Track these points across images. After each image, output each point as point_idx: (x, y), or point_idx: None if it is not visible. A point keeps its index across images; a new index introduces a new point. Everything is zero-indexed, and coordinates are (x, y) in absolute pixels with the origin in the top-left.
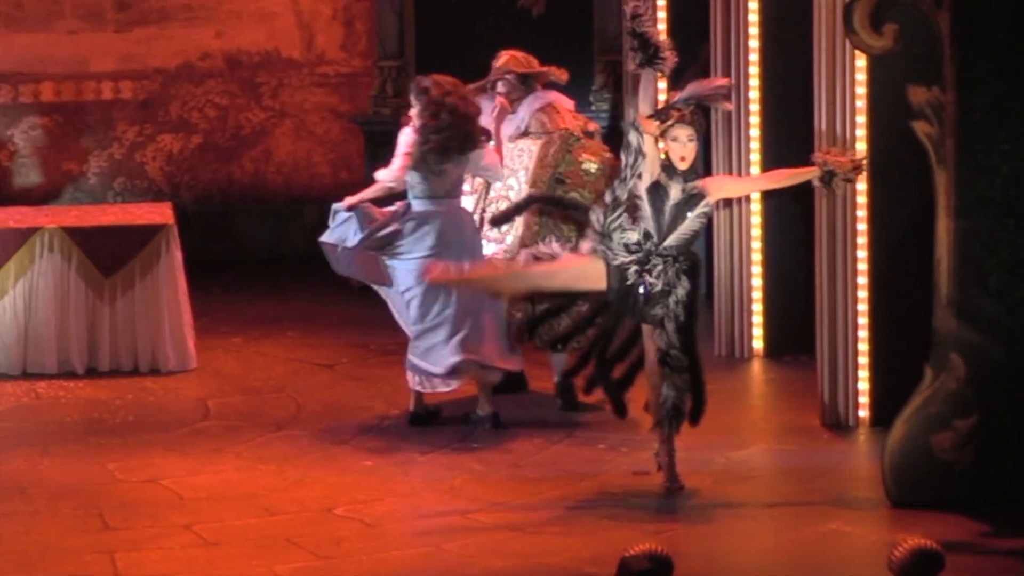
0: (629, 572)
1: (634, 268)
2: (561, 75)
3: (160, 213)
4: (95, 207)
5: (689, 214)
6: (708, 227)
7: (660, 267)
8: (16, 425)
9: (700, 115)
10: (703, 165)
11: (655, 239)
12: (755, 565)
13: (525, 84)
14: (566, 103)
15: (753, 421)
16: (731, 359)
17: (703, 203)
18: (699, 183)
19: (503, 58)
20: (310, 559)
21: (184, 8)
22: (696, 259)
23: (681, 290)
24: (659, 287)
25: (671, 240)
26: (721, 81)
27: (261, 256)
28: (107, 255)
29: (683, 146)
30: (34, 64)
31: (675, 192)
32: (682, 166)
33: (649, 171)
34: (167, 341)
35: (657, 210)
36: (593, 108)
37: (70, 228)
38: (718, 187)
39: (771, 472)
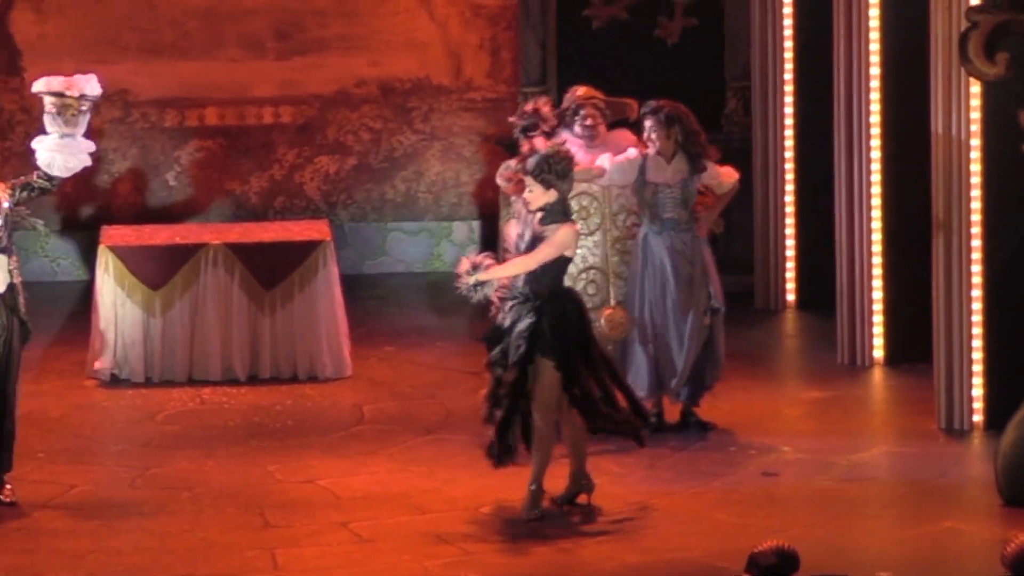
0: (757, 567)
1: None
2: (631, 112)
3: (317, 230)
4: (256, 224)
5: None
6: (828, 239)
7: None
8: (182, 429)
9: (547, 168)
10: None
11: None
12: (876, 561)
13: (603, 114)
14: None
15: (874, 426)
16: (852, 367)
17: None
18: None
19: (580, 89)
20: (458, 554)
21: (340, 38)
22: (546, 295)
23: (522, 324)
24: (506, 324)
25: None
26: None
27: (412, 270)
28: (268, 269)
29: (528, 192)
30: (199, 90)
31: (527, 234)
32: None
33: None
34: (324, 350)
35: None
36: (724, 131)
37: (233, 244)
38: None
39: (890, 473)
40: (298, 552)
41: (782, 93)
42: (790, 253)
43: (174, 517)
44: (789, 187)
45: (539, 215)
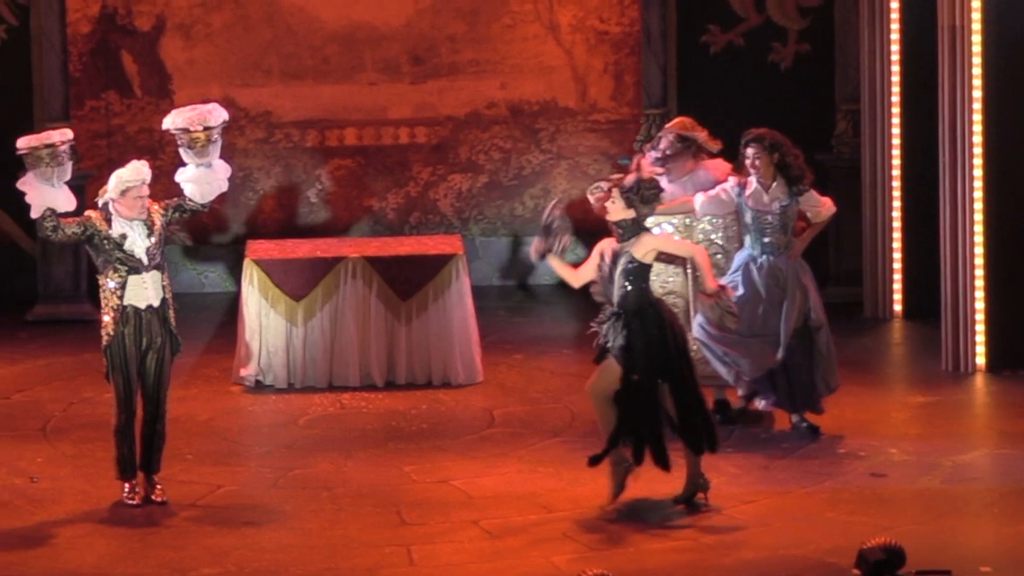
0: (866, 562)
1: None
2: (714, 144)
3: (451, 244)
4: (393, 239)
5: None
6: (933, 251)
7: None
8: (323, 432)
9: (637, 190)
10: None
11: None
12: (979, 556)
13: (683, 144)
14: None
15: (976, 429)
16: (956, 373)
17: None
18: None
19: (674, 121)
20: (583, 551)
21: (472, 63)
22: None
23: (619, 341)
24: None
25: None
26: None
27: (541, 283)
28: (404, 281)
29: (611, 203)
30: (339, 112)
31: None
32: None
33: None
34: (457, 357)
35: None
36: (835, 151)
37: (371, 257)
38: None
39: (992, 474)
40: (432, 548)
41: (889, 114)
42: (897, 265)
43: (315, 515)
44: (896, 203)
45: (618, 232)
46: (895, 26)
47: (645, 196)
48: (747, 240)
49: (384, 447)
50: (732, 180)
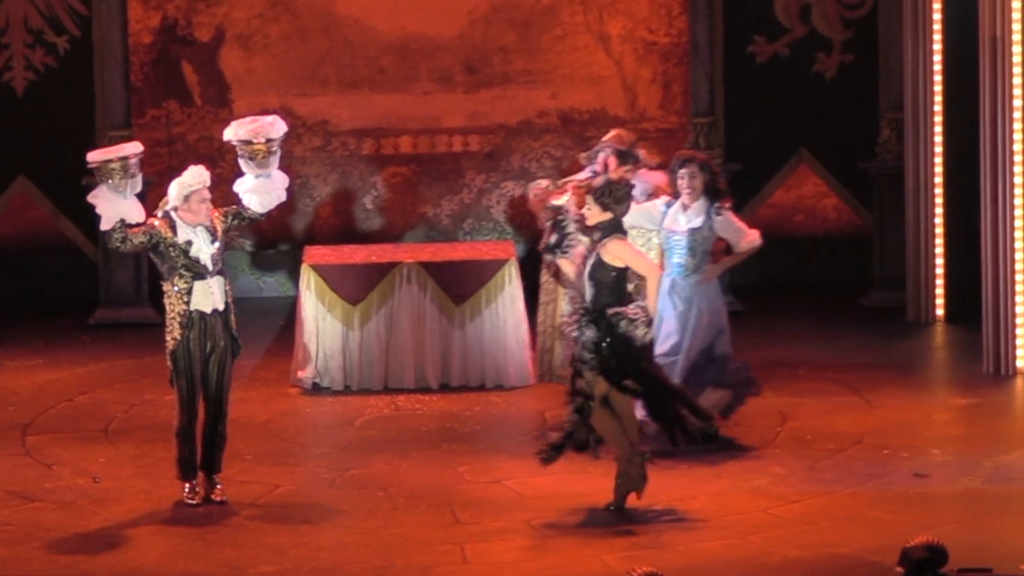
0: (909, 561)
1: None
2: (652, 159)
3: (503, 250)
4: (447, 244)
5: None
6: (975, 256)
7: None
8: (379, 433)
9: (608, 192)
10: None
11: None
12: (1019, 555)
13: (621, 158)
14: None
15: (1017, 430)
16: (997, 376)
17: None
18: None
19: (611, 132)
20: (633, 549)
21: (524, 73)
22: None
23: (585, 337)
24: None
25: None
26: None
27: None
28: (458, 286)
29: (587, 210)
30: (394, 121)
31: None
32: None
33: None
34: (509, 360)
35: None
36: (878, 158)
37: (425, 263)
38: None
39: None
40: (485, 547)
41: (932, 122)
42: (939, 270)
43: (371, 515)
44: (938, 209)
45: (597, 234)
46: (937, 36)
47: (618, 196)
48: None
49: (438, 448)
50: (664, 197)
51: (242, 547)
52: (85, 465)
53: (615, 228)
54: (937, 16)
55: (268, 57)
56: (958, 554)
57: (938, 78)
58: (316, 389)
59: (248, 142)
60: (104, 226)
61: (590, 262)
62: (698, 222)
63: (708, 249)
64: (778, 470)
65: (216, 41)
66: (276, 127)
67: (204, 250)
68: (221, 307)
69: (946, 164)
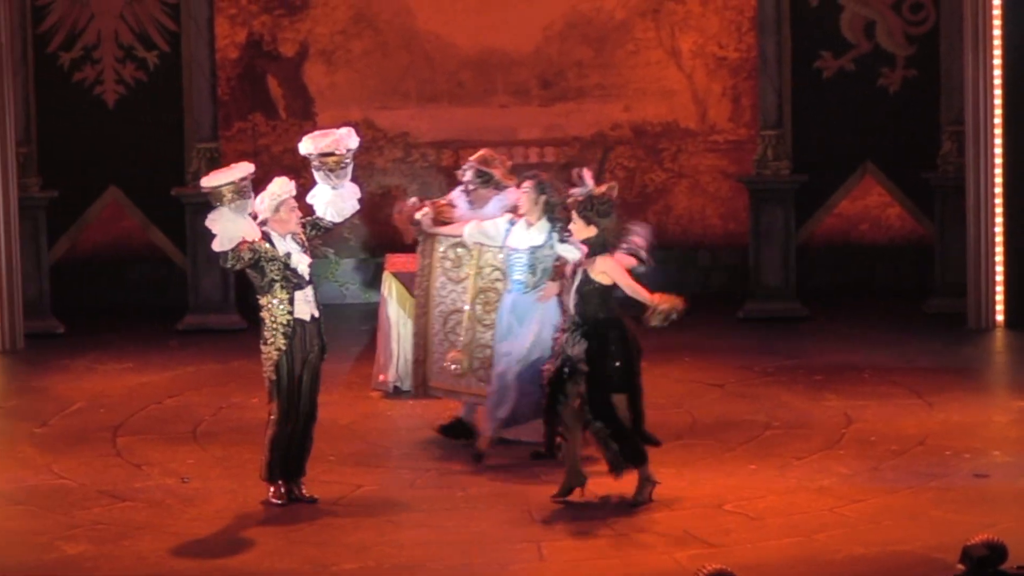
0: (970, 558)
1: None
2: (509, 180)
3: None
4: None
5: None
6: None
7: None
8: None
9: (590, 207)
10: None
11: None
12: None
13: (482, 178)
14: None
15: None
16: None
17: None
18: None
19: (478, 153)
20: (703, 547)
21: (598, 87)
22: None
23: (577, 349)
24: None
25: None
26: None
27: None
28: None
29: (572, 225)
30: (472, 133)
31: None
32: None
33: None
34: None
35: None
36: (940, 170)
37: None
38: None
39: None
40: (561, 545)
41: (992, 135)
42: (999, 278)
43: (450, 513)
44: (998, 219)
45: (586, 248)
46: (997, 52)
47: (600, 210)
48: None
49: (515, 449)
50: (508, 216)
51: (326, 545)
52: (173, 466)
53: (602, 244)
54: (997, 32)
55: (351, 71)
56: (1018, 552)
57: (998, 92)
58: (397, 392)
59: (330, 154)
60: (218, 246)
61: (578, 278)
62: (539, 240)
63: (548, 267)
64: (843, 470)
65: (300, 56)
66: (351, 140)
67: (301, 261)
68: (317, 314)
69: (1005, 175)
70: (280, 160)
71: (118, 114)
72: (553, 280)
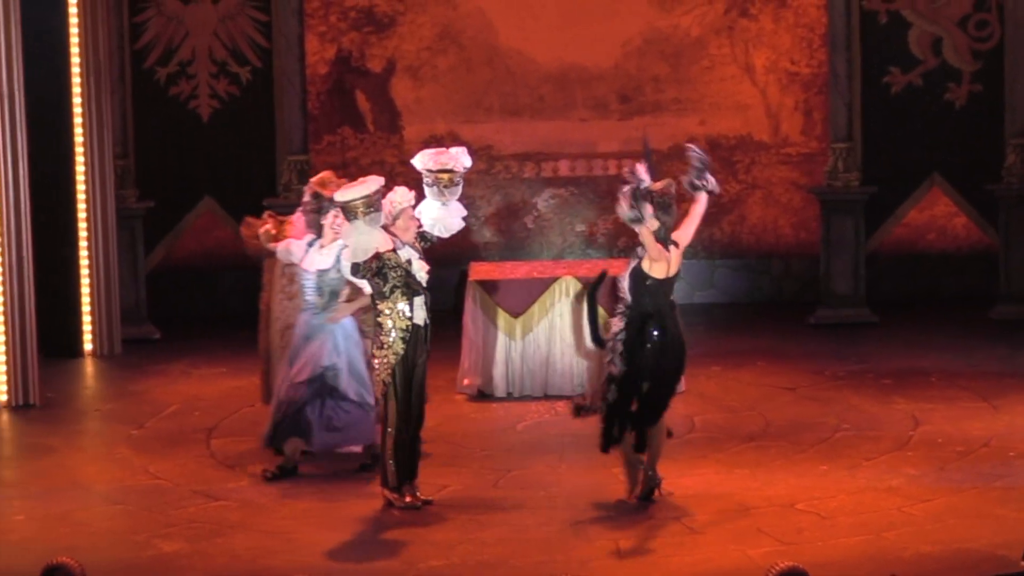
0: None
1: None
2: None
3: None
4: (603, 261)
5: None
6: None
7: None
8: (538, 437)
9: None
10: None
11: None
12: None
13: (316, 201)
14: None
15: None
16: None
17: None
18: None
19: (318, 176)
20: (776, 545)
21: (674, 101)
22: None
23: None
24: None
25: None
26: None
27: (737, 301)
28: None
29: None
30: (553, 146)
31: None
32: None
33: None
34: None
35: None
36: (1004, 182)
37: (583, 278)
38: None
39: None
40: (639, 542)
41: None
42: None
43: (531, 512)
44: None
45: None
46: None
47: (662, 205)
48: None
49: (594, 451)
50: (308, 237)
51: (412, 543)
52: (265, 466)
53: (663, 239)
54: None
55: (436, 87)
56: None
57: None
58: (481, 396)
59: (448, 170)
60: (352, 259)
61: (632, 267)
62: (326, 264)
63: (337, 290)
64: (911, 471)
65: (387, 72)
66: (464, 158)
67: (421, 268)
68: (428, 319)
69: None
70: (368, 172)
71: (212, 127)
72: (348, 302)
